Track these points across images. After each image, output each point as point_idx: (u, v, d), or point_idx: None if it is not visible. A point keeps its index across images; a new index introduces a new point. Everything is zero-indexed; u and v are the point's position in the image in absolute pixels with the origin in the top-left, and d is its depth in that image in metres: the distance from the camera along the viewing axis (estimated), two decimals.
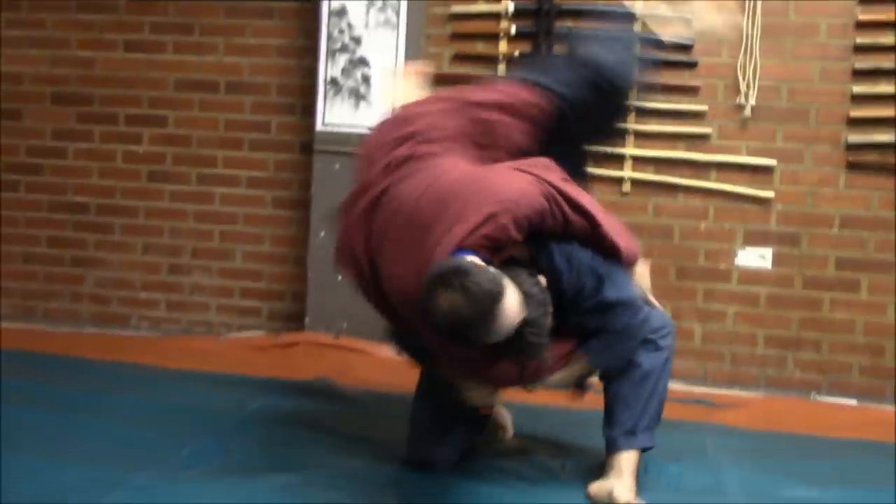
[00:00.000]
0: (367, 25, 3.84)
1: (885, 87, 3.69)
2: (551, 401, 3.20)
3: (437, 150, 2.33)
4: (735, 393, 3.75)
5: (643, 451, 2.41)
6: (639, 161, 3.88)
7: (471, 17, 4.02)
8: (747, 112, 3.80)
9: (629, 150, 3.86)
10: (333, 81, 3.87)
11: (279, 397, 3.21)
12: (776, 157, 3.81)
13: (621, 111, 2.86)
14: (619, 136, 3.60)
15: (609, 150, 3.51)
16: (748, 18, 3.74)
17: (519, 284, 2.03)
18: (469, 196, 2.14)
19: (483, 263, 2.02)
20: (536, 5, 3.90)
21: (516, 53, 3.91)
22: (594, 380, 2.48)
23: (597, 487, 2.34)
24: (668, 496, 2.36)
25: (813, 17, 3.76)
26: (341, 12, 3.85)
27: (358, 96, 3.85)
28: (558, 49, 3.28)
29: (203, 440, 2.64)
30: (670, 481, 2.51)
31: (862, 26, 3.71)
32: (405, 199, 2.24)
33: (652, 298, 2.47)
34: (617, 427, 2.38)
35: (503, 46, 3.96)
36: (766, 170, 3.81)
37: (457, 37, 4.04)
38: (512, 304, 1.98)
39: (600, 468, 2.43)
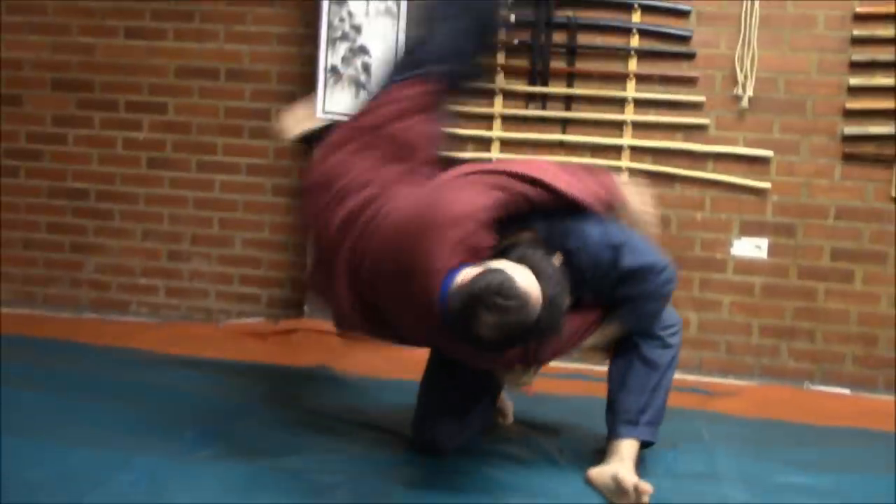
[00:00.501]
0: (367, 14, 3.84)
1: (882, 80, 3.71)
2: (551, 389, 3.25)
3: (377, 192, 2.35)
4: (730, 381, 3.79)
5: (644, 446, 2.44)
6: (636, 151, 3.90)
7: None
8: (744, 103, 3.82)
9: (627, 140, 3.89)
10: (334, 70, 3.88)
11: (279, 384, 3.23)
12: (773, 148, 3.83)
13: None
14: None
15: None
16: (747, 9, 3.78)
17: (532, 266, 2.05)
18: (428, 229, 2.15)
19: (483, 268, 2.04)
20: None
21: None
22: (599, 368, 2.50)
23: (597, 472, 2.37)
24: (665, 482, 2.38)
25: (811, 8, 3.77)
26: (342, 1, 3.86)
27: (358, 85, 3.86)
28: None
29: (205, 424, 2.67)
30: (667, 467, 2.54)
31: (860, 18, 3.72)
32: (377, 255, 2.25)
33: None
34: (620, 414, 2.41)
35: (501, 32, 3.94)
36: (763, 160, 3.84)
37: None
38: (534, 289, 2.00)
39: (598, 454, 2.47)
